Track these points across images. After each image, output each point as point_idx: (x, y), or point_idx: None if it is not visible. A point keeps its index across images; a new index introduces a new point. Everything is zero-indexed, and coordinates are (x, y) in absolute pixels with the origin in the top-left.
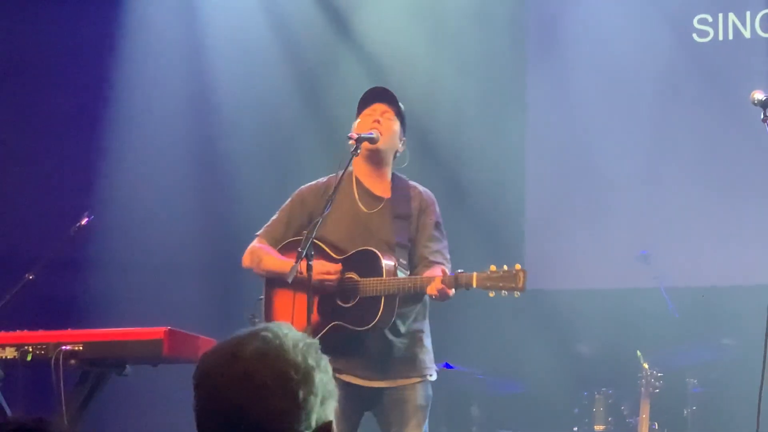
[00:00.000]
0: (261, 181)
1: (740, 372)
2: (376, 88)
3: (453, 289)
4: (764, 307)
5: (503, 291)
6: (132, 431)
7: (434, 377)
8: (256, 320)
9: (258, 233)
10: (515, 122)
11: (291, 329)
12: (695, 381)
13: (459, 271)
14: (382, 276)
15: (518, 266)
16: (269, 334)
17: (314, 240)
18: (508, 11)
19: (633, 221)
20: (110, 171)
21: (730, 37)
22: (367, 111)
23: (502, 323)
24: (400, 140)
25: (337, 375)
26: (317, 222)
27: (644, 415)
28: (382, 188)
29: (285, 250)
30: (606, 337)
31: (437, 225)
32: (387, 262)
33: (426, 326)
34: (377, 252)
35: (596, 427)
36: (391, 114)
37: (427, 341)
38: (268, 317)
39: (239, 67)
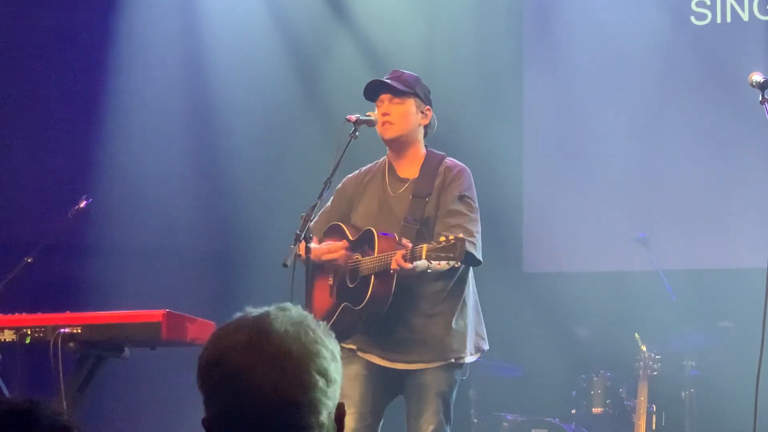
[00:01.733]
0: (259, 167)
1: (738, 355)
2: (371, 83)
3: (412, 264)
4: (762, 290)
5: (449, 262)
6: (130, 413)
7: (467, 360)
8: None
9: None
10: (512, 107)
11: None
12: (693, 363)
13: (419, 245)
14: (374, 254)
15: (460, 235)
16: (292, 313)
17: (342, 225)
18: None
19: (631, 204)
20: (108, 154)
21: (729, 19)
22: (377, 103)
23: (500, 306)
24: (422, 112)
25: (360, 353)
26: (315, 204)
27: (642, 397)
28: (410, 170)
29: (324, 235)
30: (604, 320)
31: (461, 198)
32: (382, 241)
33: (459, 306)
34: (374, 231)
35: (594, 410)
36: (398, 99)
37: (458, 323)
38: (308, 302)
39: (237, 53)
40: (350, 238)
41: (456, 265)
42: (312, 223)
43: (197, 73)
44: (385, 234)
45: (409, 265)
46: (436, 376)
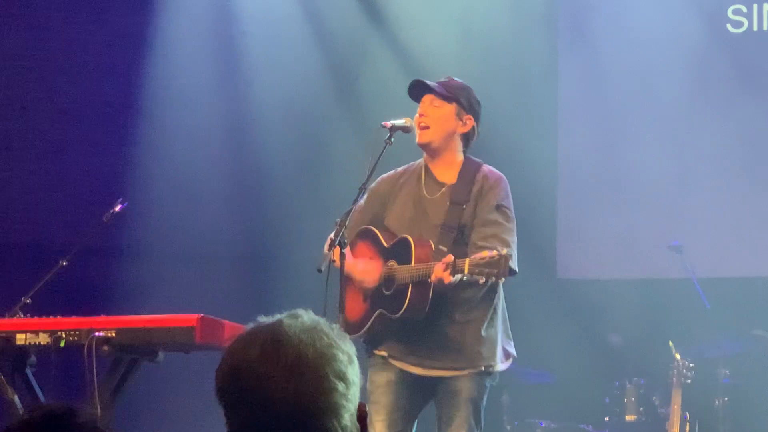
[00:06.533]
0: (293, 170)
1: None
2: (413, 83)
3: (453, 277)
4: None
5: (491, 277)
6: (164, 418)
7: (496, 368)
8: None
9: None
10: (547, 112)
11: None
12: (726, 372)
13: (461, 259)
14: (411, 263)
15: (504, 251)
16: (304, 319)
17: (373, 228)
18: (541, 1)
19: (665, 211)
20: (144, 158)
21: (765, 27)
22: (420, 104)
23: (533, 313)
24: (460, 119)
25: (391, 361)
26: (350, 210)
27: (675, 405)
28: (448, 174)
29: (357, 237)
30: (637, 327)
31: (498, 207)
32: (419, 250)
33: (489, 314)
34: (410, 239)
35: (627, 417)
36: (438, 101)
37: (488, 331)
38: (342, 306)
39: (272, 56)
40: (384, 244)
41: (501, 281)
42: (346, 228)
43: (232, 77)
44: (421, 241)
45: (450, 278)
46: (466, 383)
